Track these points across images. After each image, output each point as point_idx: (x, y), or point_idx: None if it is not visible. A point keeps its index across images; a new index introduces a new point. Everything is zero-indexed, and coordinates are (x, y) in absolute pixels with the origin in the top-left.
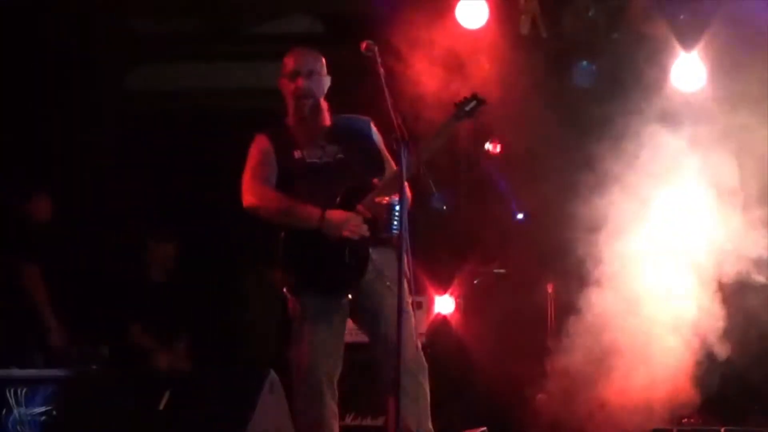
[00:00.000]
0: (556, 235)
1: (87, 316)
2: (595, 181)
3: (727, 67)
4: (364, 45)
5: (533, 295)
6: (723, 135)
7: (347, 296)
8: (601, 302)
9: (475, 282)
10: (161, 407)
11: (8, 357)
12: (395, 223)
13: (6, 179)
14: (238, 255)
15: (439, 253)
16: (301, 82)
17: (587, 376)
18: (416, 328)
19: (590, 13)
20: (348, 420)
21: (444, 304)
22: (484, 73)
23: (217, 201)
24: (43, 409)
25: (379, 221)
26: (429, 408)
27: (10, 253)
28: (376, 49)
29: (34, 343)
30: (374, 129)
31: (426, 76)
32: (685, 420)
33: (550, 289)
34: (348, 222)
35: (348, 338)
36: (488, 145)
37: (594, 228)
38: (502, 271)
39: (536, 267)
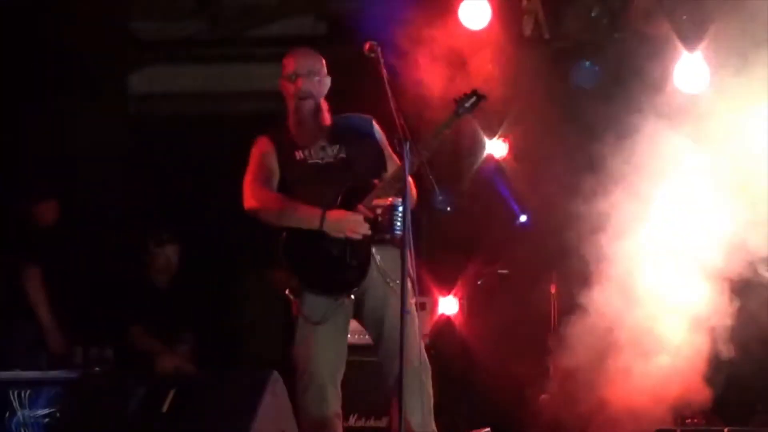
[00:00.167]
0: (560, 236)
1: (90, 318)
2: (599, 181)
3: (730, 66)
4: (367, 46)
5: (537, 296)
6: (726, 134)
7: (350, 297)
8: (604, 303)
9: (479, 283)
10: (165, 409)
11: (12, 358)
12: (398, 223)
13: (9, 181)
14: (241, 256)
15: (442, 253)
16: (301, 83)
17: (590, 377)
18: (420, 329)
19: (593, 14)
20: (351, 421)
21: (447, 305)
22: (487, 74)
23: (220, 203)
24: (46, 411)
25: (381, 221)
26: (432, 409)
27: (12, 254)
28: (379, 50)
29: (37, 345)
30: (376, 126)
31: (428, 78)
32: (689, 420)
33: (553, 289)
34: (349, 222)
35: (351, 339)
36: (493, 146)
37: (597, 228)
38: (505, 271)
39: (540, 268)
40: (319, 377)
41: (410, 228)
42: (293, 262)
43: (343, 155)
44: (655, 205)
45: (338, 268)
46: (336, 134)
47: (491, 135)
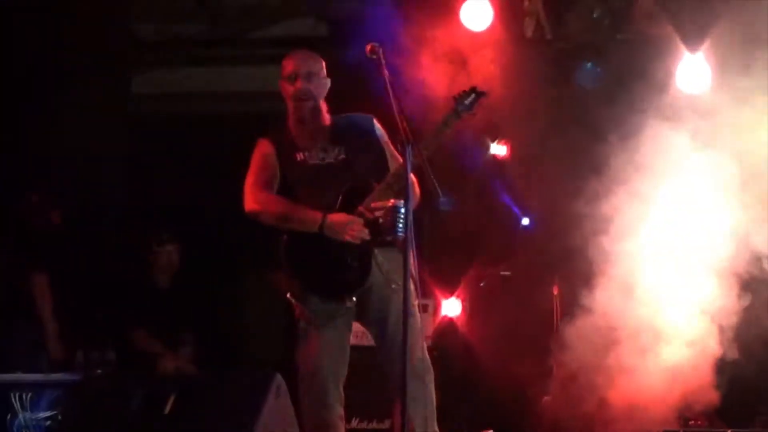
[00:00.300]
0: (563, 237)
1: (92, 320)
2: (601, 182)
3: (733, 66)
4: (368, 47)
5: (539, 298)
6: (729, 134)
7: (351, 299)
8: (607, 304)
9: (482, 284)
10: (167, 411)
11: (12, 359)
12: (400, 225)
13: (9, 181)
14: (244, 258)
15: (445, 255)
16: (300, 84)
17: (593, 378)
18: (422, 331)
19: (595, 15)
20: (354, 423)
21: (450, 307)
22: (488, 75)
23: (220, 203)
24: (48, 413)
25: (382, 223)
26: (435, 411)
27: (17, 258)
28: (381, 51)
29: (38, 346)
30: (377, 125)
31: (430, 80)
32: (692, 422)
33: (556, 291)
34: (348, 225)
35: (354, 341)
36: (494, 147)
37: (600, 229)
38: (508, 273)
39: (542, 269)
40: (322, 379)
41: (412, 229)
42: (294, 265)
43: (343, 156)
44: (658, 205)
45: (339, 271)
46: (336, 135)
47: (494, 136)
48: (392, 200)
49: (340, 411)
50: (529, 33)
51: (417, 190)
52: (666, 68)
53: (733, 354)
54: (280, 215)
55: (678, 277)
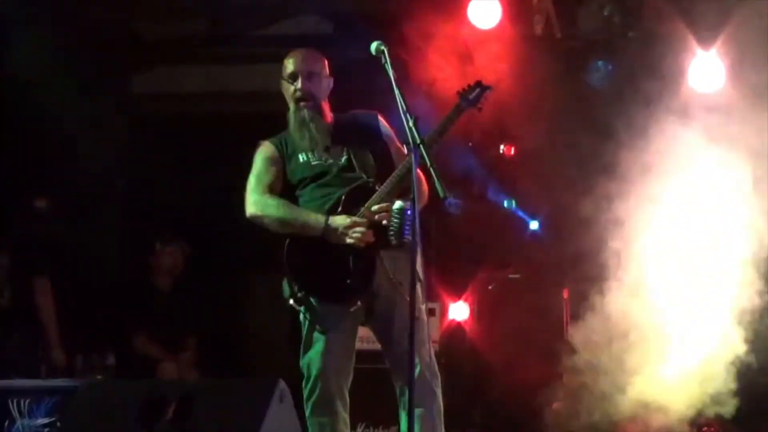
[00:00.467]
0: (572, 239)
1: (92, 324)
2: (612, 183)
3: (746, 64)
4: (374, 46)
5: (549, 301)
6: (742, 132)
7: (356, 304)
8: (618, 308)
9: (490, 288)
10: (168, 417)
11: (11, 361)
12: (407, 227)
13: (10, 185)
14: (246, 261)
15: (452, 258)
16: (301, 84)
17: (604, 384)
18: (429, 335)
19: (605, 12)
20: (359, 430)
21: (458, 311)
22: (497, 74)
23: (223, 205)
24: (46, 420)
25: (387, 225)
26: (443, 417)
27: (20, 262)
28: (387, 50)
29: (38, 354)
30: (382, 121)
31: (437, 78)
32: (705, 429)
33: (565, 294)
34: (350, 229)
35: (360, 346)
36: (503, 148)
37: (610, 231)
38: (517, 276)
39: (552, 272)
40: (327, 385)
41: (419, 231)
42: (297, 269)
43: (346, 156)
44: (671, 205)
45: (342, 275)
46: (339, 134)
47: (503, 136)
48: (397, 202)
49: (346, 417)
50: (538, 31)
51: (425, 187)
52: (678, 66)
53: (750, 359)
54: (282, 220)
55: (691, 279)
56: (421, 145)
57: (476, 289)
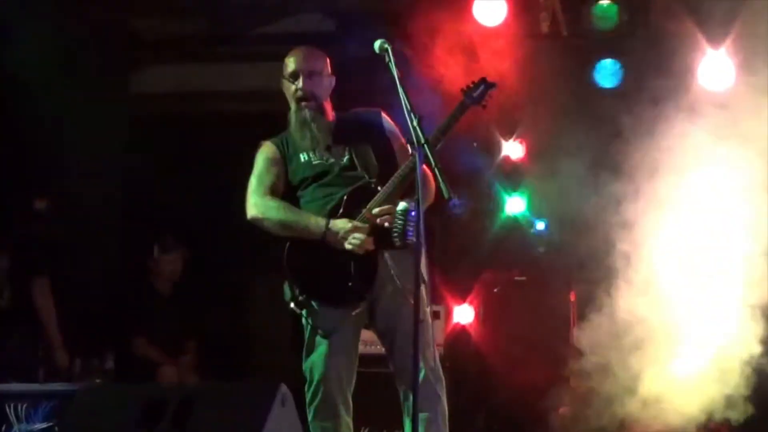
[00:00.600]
0: (579, 241)
1: (91, 326)
2: (619, 184)
3: (756, 62)
4: (377, 44)
5: (555, 304)
6: (751, 130)
7: (358, 307)
8: (626, 310)
9: (495, 290)
10: (167, 421)
11: (12, 367)
12: (410, 229)
13: (10, 186)
14: (247, 264)
15: (457, 260)
16: (302, 83)
17: (611, 388)
18: (434, 338)
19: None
20: None
21: (463, 314)
22: (503, 72)
23: (223, 205)
24: (44, 425)
25: (389, 227)
26: (447, 421)
27: (20, 263)
28: (390, 48)
29: (38, 354)
30: (385, 118)
31: (442, 77)
32: None
33: (572, 297)
34: (350, 233)
35: (363, 350)
36: (509, 148)
37: (618, 233)
38: (523, 278)
39: (558, 274)
40: (330, 388)
41: (423, 233)
42: (297, 272)
43: (348, 155)
44: (680, 205)
45: (343, 278)
46: (341, 133)
47: (507, 136)
48: (401, 202)
49: (349, 421)
50: (544, 29)
51: (432, 184)
52: (687, 64)
53: (763, 362)
54: (283, 223)
55: (702, 280)
56: (425, 145)
57: (481, 291)
